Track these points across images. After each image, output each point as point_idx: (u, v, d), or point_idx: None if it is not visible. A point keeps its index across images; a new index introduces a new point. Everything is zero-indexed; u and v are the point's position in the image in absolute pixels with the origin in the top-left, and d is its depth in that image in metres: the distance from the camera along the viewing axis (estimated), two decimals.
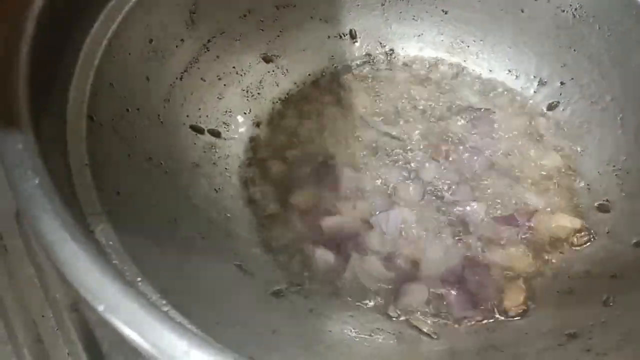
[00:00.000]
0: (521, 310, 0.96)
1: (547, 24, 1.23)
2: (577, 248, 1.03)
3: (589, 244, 1.03)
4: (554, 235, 1.04)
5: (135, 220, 0.83)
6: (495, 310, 0.96)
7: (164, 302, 0.68)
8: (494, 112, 1.23)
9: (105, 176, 0.82)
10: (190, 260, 0.87)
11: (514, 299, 0.96)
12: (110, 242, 0.73)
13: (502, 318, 0.95)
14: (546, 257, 1.02)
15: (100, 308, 0.56)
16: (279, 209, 1.07)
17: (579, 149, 1.16)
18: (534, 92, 1.27)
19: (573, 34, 1.20)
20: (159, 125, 1.03)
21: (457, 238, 1.03)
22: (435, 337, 0.93)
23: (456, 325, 0.95)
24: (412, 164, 1.12)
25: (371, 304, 0.97)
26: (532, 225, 1.04)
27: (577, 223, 1.04)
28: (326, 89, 1.28)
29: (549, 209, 1.07)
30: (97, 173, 0.80)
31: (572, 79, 1.22)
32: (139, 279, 0.70)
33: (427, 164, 1.10)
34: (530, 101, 1.26)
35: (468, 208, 1.05)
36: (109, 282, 0.58)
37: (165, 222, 0.90)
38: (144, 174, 0.94)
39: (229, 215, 1.05)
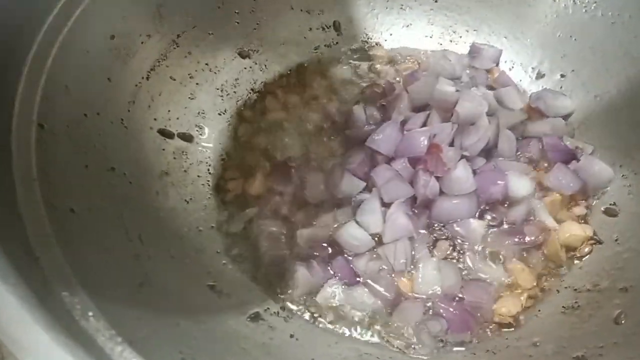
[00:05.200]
0: (507, 322, 0.88)
1: (546, 12, 1.15)
2: (583, 258, 0.95)
3: (596, 253, 0.94)
4: (567, 246, 0.95)
5: (91, 241, 0.75)
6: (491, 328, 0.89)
7: (118, 339, 0.60)
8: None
9: (57, 191, 0.73)
10: (156, 284, 0.78)
11: (508, 309, 0.89)
12: (59, 271, 0.64)
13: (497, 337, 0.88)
14: (551, 270, 0.94)
15: None
16: (256, 221, 0.98)
17: (582, 147, 1.07)
18: (532, 84, 1.18)
19: (574, 21, 1.11)
20: (123, 131, 0.93)
21: (453, 255, 0.95)
22: None
23: (454, 348, 0.86)
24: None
25: (358, 329, 0.89)
26: (539, 238, 0.95)
27: (588, 230, 0.96)
28: (306, 85, 1.18)
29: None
30: (48, 188, 0.72)
31: (573, 70, 1.13)
32: (91, 313, 0.61)
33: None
34: (528, 95, 1.16)
35: (466, 224, 0.96)
36: (41, 331, 0.50)
37: (128, 241, 0.81)
38: (105, 186, 0.85)
39: (201, 229, 0.97)
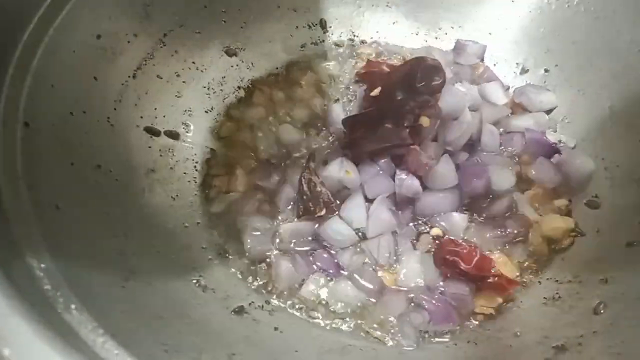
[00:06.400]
0: (488, 314, 0.90)
1: (529, 7, 1.16)
2: (565, 250, 0.96)
3: (577, 245, 0.96)
4: (549, 238, 0.97)
5: (76, 237, 0.75)
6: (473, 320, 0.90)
7: (100, 331, 0.61)
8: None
9: (43, 189, 0.74)
10: (141, 279, 0.78)
11: (489, 300, 0.90)
12: (43, 265, 0.65)
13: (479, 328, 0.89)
14: (533, 262, 0.96)
15: (6, 352, 0.48)
16: (242, 216, 0.99)
17: (565, 141, 1.08)
18: (517, 80, 1.19)
19: (557, 17, 1.13)
20: (109, 129, 0.94)
21: (435, 248, 0.95)
22: (414, 352, 0.86)
23: (436, 339, 0.87)
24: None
25: (342, 321, 0.90)
26: (521, 231, 0.96)
27: (570, 222, 0.97)
28: (292, 83, 1.19)
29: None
30: (34, 186, 0.72)
31: (557, 65, 1.14)
32: (73, 306, 0.62)
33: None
34: (512, 90, 1.18)
35: (449, 218, 0.97)
36: (21, 321, 0.51)
37: (113, 238, 0.82)
38: (90, 183, 0.85)
39: (187, 225, 0.97)
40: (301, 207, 0.98)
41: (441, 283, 0.91)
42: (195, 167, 1.06)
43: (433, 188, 0.97)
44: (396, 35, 1.27)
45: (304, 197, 0.97)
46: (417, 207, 0.97)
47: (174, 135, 1.06)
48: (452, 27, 1.25)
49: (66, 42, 0.87)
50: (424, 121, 0.97)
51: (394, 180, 0.96)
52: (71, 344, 0.54)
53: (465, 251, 0.90)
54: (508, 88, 1.18)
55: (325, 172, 0.98)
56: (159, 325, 0.73)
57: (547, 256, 0.96)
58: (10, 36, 0.78)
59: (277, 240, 0.96)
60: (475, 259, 0.89)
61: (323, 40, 1.26)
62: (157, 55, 1.06)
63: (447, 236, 0.97)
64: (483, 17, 1.22)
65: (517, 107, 1.12)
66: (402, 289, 0.91)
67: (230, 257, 0.96)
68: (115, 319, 0.65)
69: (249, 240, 0.96)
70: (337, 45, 1.26)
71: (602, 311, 0.81)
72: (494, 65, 1.21)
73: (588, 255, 0.93)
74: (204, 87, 1.14)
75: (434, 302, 0.88)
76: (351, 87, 1.18)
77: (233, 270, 0.94)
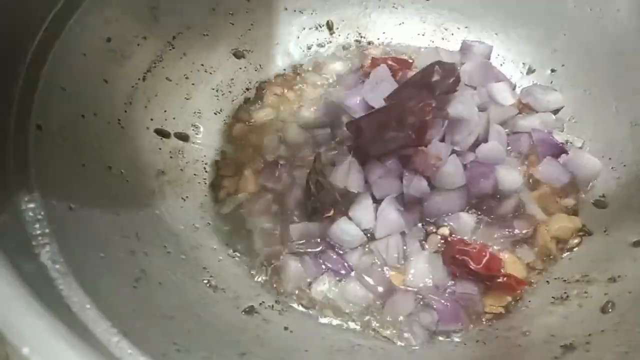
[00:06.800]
0: (498, 312, 0.90)
1: (536, 8, 1.17)
2: (572, 249, 0.96)
3: (585, 244, 0.96)
4: (557, 238, 0.97)
5: (88, 237, 0.76)
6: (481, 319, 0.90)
7: (114, 330, 0.62)
8: None
9: (55, 190, 0.75)
10: (152, 280, 0.79)
11: (498, 300, 0.91)
12: (57, 266, 0.66)
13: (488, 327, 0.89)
14: (541, 262, 0.96)
15: (25, 350, 0.49)
16: (251, 217, 1.00)
17: (572, 140, 1.08)
18: (523, 80, 1.19)
19: (563, 17, 1.13)
20: (120, 131, 0.95)
21: (444, 248, 0.96)
22: (423, 351, 0.86)
23: (445, 338, 0.88)
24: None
25: (351, 321, 0.91)
26: (529, 231, 0.97)
27: (577, 222, 0.98)
28: (300, 84, 1.20)
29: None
30: (46, 187, 0.73)
31: (563, 65, 1.15)
32: (88, 305, 0.63)
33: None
34: (519, 90, 1.18)
35: (457, 218, 0.98)
36: (37, 319, 0.51)
37: (124, 238, 0.83)
38: (101, 184, 0.87)
39: (197, 226, 0.98)
40: (309, 207, 0.98)
41: (450, 283, 0.92)
42: (205, 168, 1.07)
43: (441, 188, 0.97)
44: (403, 36, 1.28)
45: (312, 198, 0.97)
46: (425, 207, 0.97)
47: (183, 137, 1.07)
48: (459, 28, 1.26)
49: (77, 45, 0.88)
50: (431, 122, 0.98)
51: (401, 180, 0.97)
52: (87, 342, 0.55)
53: (475, 251, 0.91)
54: (514, 88, 1.18)
55: (333, 173, 0.98)
56: (171, 324, 0.74)
57: (555, 256, 0.96)
58: (21, 41, 0.79)
59: (286, 241, 0.97)
60: (485, 258, 0.90)
61: (330, 42, 1.27)
62: (166, 57, 1.07)
63: (454, 236, 0.97)
64: (489, 18, 1.23)
65: (524, 108, 1.13)
66: (410, 289, 0.92)
67: (240, 257, 0.97)
68: (127, 319, 0.66)
69: (258, 241, 0.97)
70: (344, 46, 1.27)
71: (610, 310, 0.81)
72: (501, 65, 1.21)
73: (596, 255, 0.93)
74: (213, 89, 1.15)
75: (442, 301, 0.89)
76: None
77: (243, 270, 0.95)
